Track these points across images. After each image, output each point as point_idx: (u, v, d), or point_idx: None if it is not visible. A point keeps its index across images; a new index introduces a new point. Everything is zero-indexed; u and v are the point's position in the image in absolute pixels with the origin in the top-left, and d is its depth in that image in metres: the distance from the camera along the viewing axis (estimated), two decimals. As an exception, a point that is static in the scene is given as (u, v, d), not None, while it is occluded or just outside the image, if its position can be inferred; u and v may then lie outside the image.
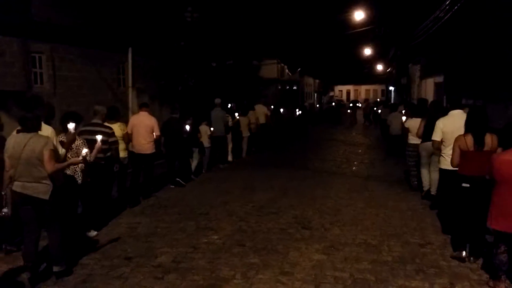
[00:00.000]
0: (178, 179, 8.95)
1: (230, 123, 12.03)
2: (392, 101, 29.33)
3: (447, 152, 5.64)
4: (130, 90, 15.01)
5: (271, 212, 7.00)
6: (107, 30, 13.44)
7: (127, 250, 5.35)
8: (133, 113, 14.88)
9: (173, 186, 8.85)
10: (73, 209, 5.55)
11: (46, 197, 4.32)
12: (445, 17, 15.65)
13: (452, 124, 5.75)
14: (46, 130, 5.07)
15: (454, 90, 14.15)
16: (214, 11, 15.19)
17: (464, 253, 4.93)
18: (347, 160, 12.98)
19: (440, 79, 19.03)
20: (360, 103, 35.65)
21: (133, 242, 5.64)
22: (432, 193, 7.40)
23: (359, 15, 25.47)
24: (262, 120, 14.43)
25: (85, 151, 4.93)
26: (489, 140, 4.76)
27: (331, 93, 64.29)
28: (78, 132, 5.48)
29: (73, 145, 5.27)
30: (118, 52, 14.49)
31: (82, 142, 5.34)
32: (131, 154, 7.82)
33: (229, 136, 12.13)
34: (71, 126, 5.04)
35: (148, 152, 7.94)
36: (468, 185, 4.83)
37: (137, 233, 6.00)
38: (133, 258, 5.07)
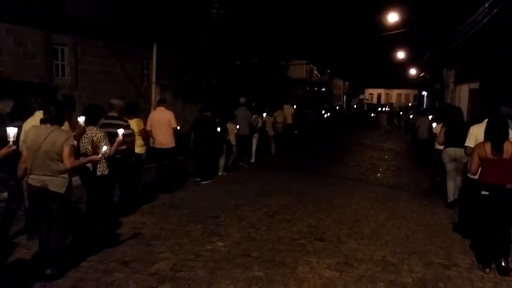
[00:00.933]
0: (199, 179, 9.10)
1: (259, 124, 12.00)
2: (424, 106, 28.29)
3: None
4: (153, 86, 14.89)
5: (284, 219, 6.57)
6: (132, 24, 13.32)
7: (126, 253, 5.04)
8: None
9: (198, 179, 9.08)
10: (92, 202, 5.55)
11: (63, 191, 4.26)
12: (483, 21, 14.83)
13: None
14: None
15: (490, 97, 13.33)
16: (241, 8, 14.84)
17: (487, 270, 4.81)
18: (372, 167, 12.38)
19: (475, 85, 18.16)
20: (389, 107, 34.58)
21: (134, 244, 5.34)
22: (455, 197, 7.28)
23: (393, 17, 24.70)
24: (289, 120, 14.51)
25: (105, 148, 4.77)
26: (509, 147, 4.71)
27: (361, 96, 63.20)
28: (99, 125, 5.50)
29: (95, 139, 5.23)
30: (143, 47, 14.37)
31: (103, 135, 5.26)
32: (153, 150, 8.08)
33: (255, 137, 11.99)
34: (81, 119, 5.02)
35: (169, 146, 8.09)
36: (487, 193, 4.78)
37: (141, 235, 5.69)
38: (130, 263, 4.75)
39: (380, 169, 11.99)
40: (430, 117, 12.35)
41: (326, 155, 14.52)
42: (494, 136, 4.80)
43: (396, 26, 25.97)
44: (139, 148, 7.09)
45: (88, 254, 4.90)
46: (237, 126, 10.53)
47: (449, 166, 7.30)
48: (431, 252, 5.40)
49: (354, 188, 9.16)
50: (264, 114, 12.87)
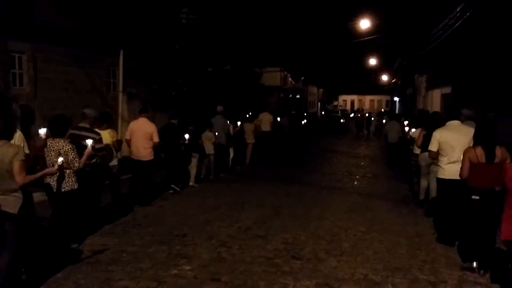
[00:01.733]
0: (173, 185, 8.88)
1: (231, 131, 11.69)
2: (396, 112, 28.48)
3: (443, 162, 5.72)
4: (120, 94, 14.23)
5: (258, 236, 6.09)
6: (96, 30, 12.68)
7: (79, 282, 4.46)
8: (123, 119, 14.22)
9: (171, 192, 8.80)
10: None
11: (15, 211, 3.94)
12: (455, 25, 14.84)
13: (448, 135, 5.72)
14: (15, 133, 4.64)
15: (462, 101, 13.28)
16: (211, 13, 14.38)
17: (474, 264, 4.86)
18: (348, 174, 12.07)
19: (447, 90, 18.27)
20: (359, 113, 34.51)
21: (90, 271, 4.75)
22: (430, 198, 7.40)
23: (364, 23, 24.77)
24: (266, 128, 14.32)
25: (60, 159, 4.52)
26: (499, 152, 4.72)
27: (335, 103, 63.66)
28: (67, 137, 5.23)
29: (62, 151, 4.92)
30: (109, 54, 13.72)
31: (71, 148, 4.97)
32: (130, 161, 7.98)
33: (231, 145, 11.77)
34: (42, 131, 4.85)
35: (147, 159, 7.81)
36: (478, 197, 4.77)
37: (98, 259, 5.11)
38: (82, 295, 4.19)
39: (357, 177, 11.67)
40: (405, 122, 12.79)
41: (302, 163, 14.16)
42: (485, 141, 4.78)
43: (368, 33, 26.15)
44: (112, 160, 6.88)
45: (35, 284, 4.31)
46: (216, 134, 10.30)
47: (424, 169, 7.60)
48: (415, 268, 5.02)
49: (331, 198, 8.78)
50: (239, 122, 12.61)
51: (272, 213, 7.40)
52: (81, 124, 6.09)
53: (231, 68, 15.92)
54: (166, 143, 8.69)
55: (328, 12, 42.44)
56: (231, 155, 11.95)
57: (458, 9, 14.06)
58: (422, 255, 5.44)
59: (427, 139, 6.95)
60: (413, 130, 9.02)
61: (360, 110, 37.35)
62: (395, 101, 38.49)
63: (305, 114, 29.03)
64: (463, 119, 6.00)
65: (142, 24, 13.83)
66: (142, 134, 7.76)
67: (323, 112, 50.87)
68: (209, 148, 10.16)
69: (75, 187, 5.08)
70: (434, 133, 5.89)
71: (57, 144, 4.96)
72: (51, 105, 11.17)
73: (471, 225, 4.91)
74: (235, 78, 16.07)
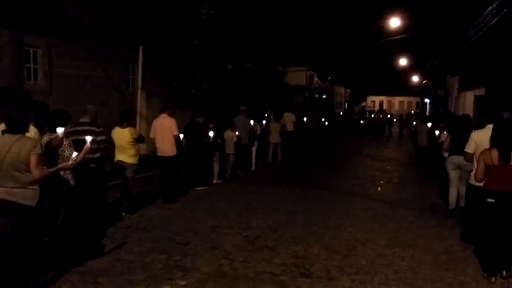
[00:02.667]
0: (198, 187, 8.98)
1: (258, 131, 11.69)
2: (427, 114, 27.41)
3: None
4: (139, 91, 14.00)
5: (266, 247, 5.57)
6: (115, 25, 12.45)
7: (63, 294, 4.07)
8: (141, 117, 13.96)
9: (199, 188, 8.93)
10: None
11: (33, 203, 3.96)
12: (491, 22, 13.90)
13: (486, 138, 5.28)
14: (30, 130, 4.56)
15: (497, 104, 12.36)
16: (232, 9, 13.93)
17: (493, 279, 4.65)
18: (372, 179, 11.37)
19: (481, 91, 17.25)
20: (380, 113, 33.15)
21: (76, 281, 4.36)
22: (461, 205, 7.15)
23: (394, 22, 23.93)
24: (290, 128, 14.28)
25: (75, 154, 4.54)
26: None
27: (363, 103, 62.31)
28: (66, 133, 5.09)
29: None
30: (128, 50, 13.50)
31: (68, 144, 4.96)
32: (156, 158, 8.08)
33: (255, 145, 11.70)
34: (59, 130, 4.72)
35: (171, 154, 7.87)
36: (493, 200, 4.65)
37: (90, 267, 4.71)
38: (62, 311, 3.78)
39: (381, 182, 10.98)
40: (429, 124, 12.55)
41: (324, 165, 13.56)
42: (501, 142, 4.66)
43: (398, 32, 25.25)
44: (131, 159, 6.85)
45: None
46: (237, 133, 10.22)
47: (453, 174, 7.22)
48: (441, 292, 4.41)
49: (351, 205, 8.15)
50: (264, 122, 12.58)
51: (285, 220, 6.87)
52: (81, 120, 6.09)
53: (253, 66, 15.41)
54: (191, 141, 8.79)
55: (357, 10, 41.42)
56: (254, 154, 11.79)
57: (495, 5, 13.13)
58: (449, 277, 4.78)
59: (454, 142, 6.92)
60: (437, 133, 8.83)
61: (383, 111, 35.93)
62: (426, 103, 37.17)
63: (328, 114, 28.27)
64: None
65: (161, 20, 13.54)
66: (163, 131, 7.83)
67: (343, 113, 49.78)
68: (230, 148, 10.10)
69: (72, 184, 4.97)
70: (471, 134, 5.71)
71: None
72: (66, 100, 10.97)
73: (488, 229, 4.78)
74: (256, 76, 15.56)
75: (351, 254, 5.40)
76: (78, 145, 4.99)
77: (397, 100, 66.68)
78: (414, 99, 58.68)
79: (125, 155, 6.83)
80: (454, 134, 7.05)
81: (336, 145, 20.44)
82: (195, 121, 9.18)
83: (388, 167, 13.78)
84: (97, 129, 5.94)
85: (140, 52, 13.76)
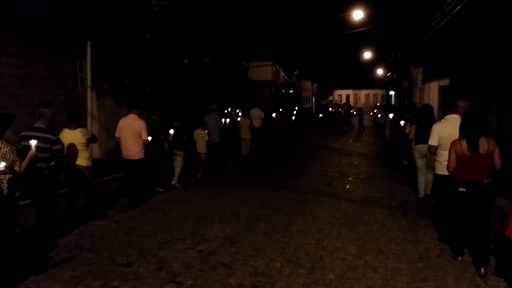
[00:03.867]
0: (157, 188, 8.54)
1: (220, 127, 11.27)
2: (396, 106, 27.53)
3: (443, 158, 5.45)
4: (89, 90, 12.93)
5: (222, 264, 4.84)
6: (59, 20, 11.37)
7: None
8: (92, 117, 12.94)
9: (161, 190, 8.53)
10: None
11: None
12: (453, 11, 13.63)
13: (448, 129, 5.56)
14: None
15: (462, 93, 12.10)
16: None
17: (460, 259, 4.89)
18: (340, 175, 10.84)
19: (445, 82, 17.14)
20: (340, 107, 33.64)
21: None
22: (427, 192, 7.37)
23: (358, 14, 23.63)
24: (257, 124, 14.02)
25: (2, 164, 4.14)
26: (485, 143, 4.62)
27: (330, 98, 62.48)
28: (7, 137, 4.54)
29: None
30: (75, 46, 12.41)
31: (10, 150, 4.39)
32: (122, 160, 7.63)
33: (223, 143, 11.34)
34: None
35: (136, 157, 7.44)
36: (464, 190, 4.71)
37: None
38: None
39: (349, 178, 10.45)
40: (391, 115, 12.80)
41: (291, 163, 12.99)
42: (469, 133, 4.69)
43: (362, 24, 25.08)
44: (86, 161, 6.37)
45: None
46: (206, 131, 10.01)
47: (420, 162, 7.41)
48: (420, 310, 3.82)
49: (318, 206, 7.53)
50: (227, 119, 12.06)
51: (245, 229, 6.17)
52: (36, 125, 5.55)
53: (212, 60, 14.60)
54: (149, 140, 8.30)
55: (321, 3, 41.19)
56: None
57: (457, -7, 12.85)
58: (429, 289, 4.23)
59: (419, 131, 7.13)
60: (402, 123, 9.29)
61: (343, 105, 36.02)
62: (391, 95, 37.40)
63: (295, 109, 28.04)
64: (461, 112, 5.67)
65: (111, 12, 12.52)
66: (130, 132, 7.37)
67: (313, 107, 49.74)
68: (201, 147, 9.89)
69: (16, 194, 4.46)
70: (433, 127, 5.80)
71: None
72: (5, 102, 9.91)
73: (460, 218, 4.87)
74: (216, 71, 14.77)
75: (318, 267, 4.75)
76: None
77: (363, 93, 67.33)
78: (379, 92, 59.33)
79: (79, 158, 6.24)
80: (418, 123, 7.25)
81: (304, 140, 19.95)
82: (151, 118, 8.74)
83: (356, 162, 13.33)
84: (53, 137, 5.53)
85: (89, 48, 12.68)
